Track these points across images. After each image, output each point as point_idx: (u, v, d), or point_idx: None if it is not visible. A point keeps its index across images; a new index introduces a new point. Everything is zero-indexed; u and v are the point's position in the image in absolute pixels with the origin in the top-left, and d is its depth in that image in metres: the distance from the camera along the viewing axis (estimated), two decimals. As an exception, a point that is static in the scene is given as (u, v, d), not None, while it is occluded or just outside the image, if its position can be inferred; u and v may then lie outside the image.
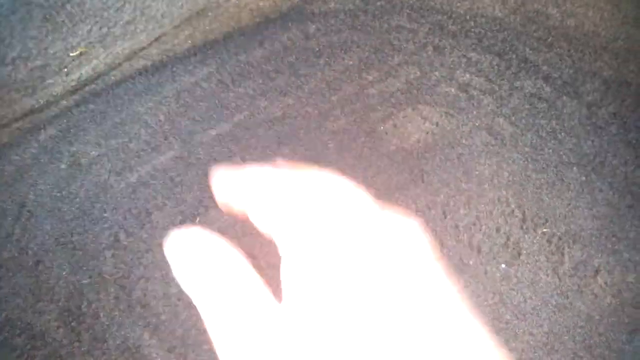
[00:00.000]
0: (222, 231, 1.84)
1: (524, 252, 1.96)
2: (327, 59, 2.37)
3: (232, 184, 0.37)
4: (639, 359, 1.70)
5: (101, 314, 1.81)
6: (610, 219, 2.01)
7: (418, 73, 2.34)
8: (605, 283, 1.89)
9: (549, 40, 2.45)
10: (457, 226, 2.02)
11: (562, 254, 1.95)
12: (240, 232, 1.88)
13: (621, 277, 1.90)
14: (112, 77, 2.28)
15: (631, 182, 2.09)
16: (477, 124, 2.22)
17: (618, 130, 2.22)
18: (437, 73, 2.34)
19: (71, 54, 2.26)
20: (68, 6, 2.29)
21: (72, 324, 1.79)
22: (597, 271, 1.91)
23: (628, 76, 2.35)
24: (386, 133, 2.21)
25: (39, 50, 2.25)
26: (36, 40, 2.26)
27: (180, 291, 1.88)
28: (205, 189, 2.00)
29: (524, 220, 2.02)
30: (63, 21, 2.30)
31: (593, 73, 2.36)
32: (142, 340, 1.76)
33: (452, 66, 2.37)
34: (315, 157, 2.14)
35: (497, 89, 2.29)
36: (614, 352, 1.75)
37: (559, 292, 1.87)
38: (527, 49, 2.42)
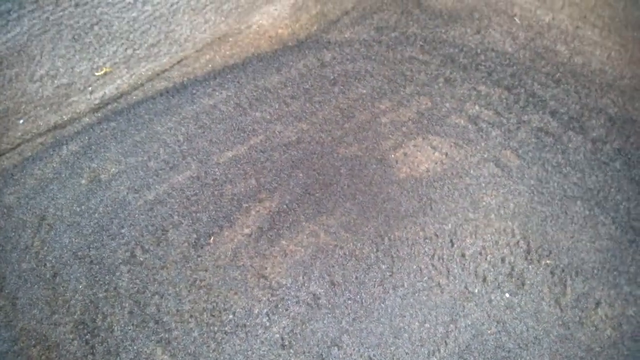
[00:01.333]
0: (235, 251, 1.90)
1: (528, 282, 2.00)
2: (341, 87, 2.45)
3: None
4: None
5: (115, 328, 1.86)
6: (612, 253, 2.05)
7: (429, 104, 2.41)
8: (606, 315, 1.93)
9: (557, 76, 2.52)
10: (463, 254, 2.07)
11: (565, 286, 2.00)
12: (252, 252, 1.94)
13: (621, 310, 1.94)
14: (134, 97, 2.37)
15: (633, 218, 2.14)
16: (485, 156, 2.29)
17: (622, 166, 2.28)
18: (447, 104, 2.41)
19: (96, 73, 2.35)
20: (96, 27, 2.39)
21: (87, 336, 1.84)
22: (598, 303, 1.96)
23: (633, 113, 2.41)
24: (396, 161, 2.27)
25: (66, 68, 2.35)
26: (64, 59, 2.35)
27: (193, 308, 1.93)
28: (221, 208, 2.06)
29: (528, 251, 2.07)
30: (90, 42, 2.39)
31: (599, 109, 2.43)
32: (155, 356, 1.81)
33: (462, 98, 2.44)
34: (327, 181, 2.20)
35: (505, 122, 2.36)
36: (614, 384, 1.78)
37: (560, 322, 1.92)
38: (536, 84, 2.49)
